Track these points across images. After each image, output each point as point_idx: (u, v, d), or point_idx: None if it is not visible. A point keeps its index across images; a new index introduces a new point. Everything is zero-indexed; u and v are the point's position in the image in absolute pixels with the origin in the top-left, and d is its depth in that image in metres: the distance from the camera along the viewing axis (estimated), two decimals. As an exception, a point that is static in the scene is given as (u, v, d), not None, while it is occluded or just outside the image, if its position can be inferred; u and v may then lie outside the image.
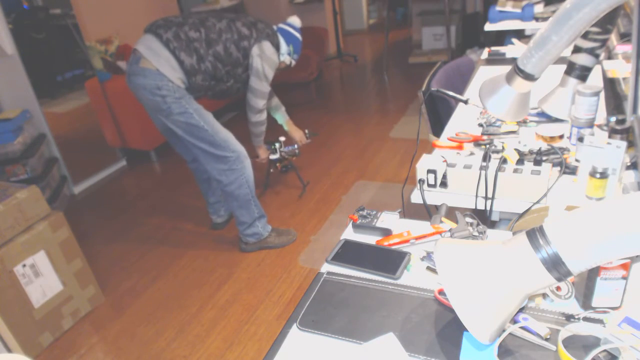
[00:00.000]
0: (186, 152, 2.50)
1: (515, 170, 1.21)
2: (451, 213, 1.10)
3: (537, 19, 2.83)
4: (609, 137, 1.30)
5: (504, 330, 0.77)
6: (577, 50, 1.45)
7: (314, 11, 6.12)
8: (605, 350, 0.73)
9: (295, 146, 2.95)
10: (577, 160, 1.27)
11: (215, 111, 3.53)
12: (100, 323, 2.19)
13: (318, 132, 3.17)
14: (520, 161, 1.25)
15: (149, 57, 2.06)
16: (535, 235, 0.71)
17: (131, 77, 2.13)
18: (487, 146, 1.41)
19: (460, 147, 1.49)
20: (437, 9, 5.40)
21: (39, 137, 3.13)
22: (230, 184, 2.30)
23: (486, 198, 1.24)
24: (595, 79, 1.76)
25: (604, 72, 1.75)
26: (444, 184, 1.30)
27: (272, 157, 2.92)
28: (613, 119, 1.32)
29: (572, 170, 1.27)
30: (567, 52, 1.39)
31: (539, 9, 2.95)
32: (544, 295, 0.86)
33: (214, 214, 2.76)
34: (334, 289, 0.96)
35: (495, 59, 2.47)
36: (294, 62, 2.46)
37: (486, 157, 1.27)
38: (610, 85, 1.64)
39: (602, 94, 1.47)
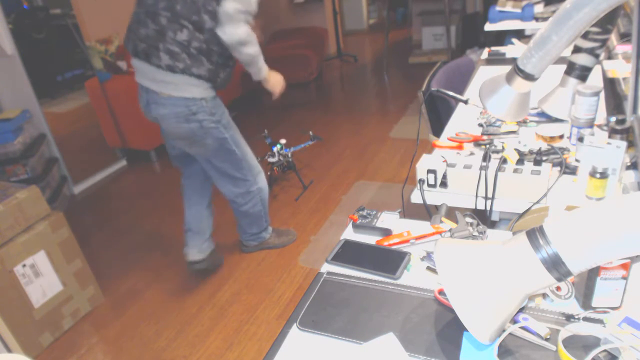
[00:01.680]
0: (186, 166, 2.26)
1: (515, 170, 1.21)
2: (451, 213, 1.10)
3: (537, 19, 2.84)
4: (609, 137, 1.30)
5: (504, 330, 0.77)
6: (577, 50, 1.45)
7: (314, 11, 6.13)
8: (605, 350, 0.73)
9: (291, 150, 2.96)
10: (577, 160, 1.27)
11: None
12: (100, 323, 2.19)
13: (319, 133, 3.17)
14: (520, 161, 1.25)
15: (167, 91, 1.82)
16: (535, 235, 0.71)
17: (152, 106, 1.86)
18: (487, 146, 1.41)
19: (460, 147, 1.49)
20: (437, 9, 5.40)
21: (39, 137, 3.13)
22: (245, 204, 2.27)
23: (486, 198, 1.24)
24: (595, 79, 1.76)
25: (604, 72, 1.75)
26: (444, 184, 1.30)
27: (271, 160, 2.92)
28: (613, 119, 1.32)
29: (572, 170, 1.27)
30: (567, 52, 1.39)
31: (539, 9, 2.95)
32: (544, 295, 0.86)
33: (193, 247, 2.29)
34: (334, 289, 0.96)
35: (495, 59, 2.46)
36: None
37: (486, 157, 1.27)
38: (610, 85, 1.64)
39: (602, 94, 1.47)
